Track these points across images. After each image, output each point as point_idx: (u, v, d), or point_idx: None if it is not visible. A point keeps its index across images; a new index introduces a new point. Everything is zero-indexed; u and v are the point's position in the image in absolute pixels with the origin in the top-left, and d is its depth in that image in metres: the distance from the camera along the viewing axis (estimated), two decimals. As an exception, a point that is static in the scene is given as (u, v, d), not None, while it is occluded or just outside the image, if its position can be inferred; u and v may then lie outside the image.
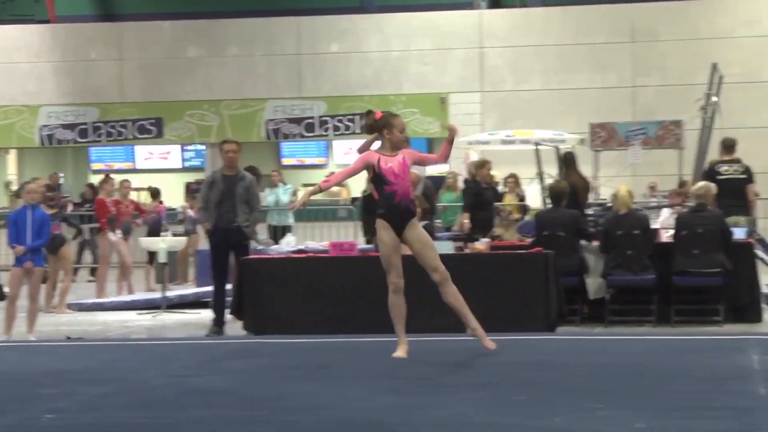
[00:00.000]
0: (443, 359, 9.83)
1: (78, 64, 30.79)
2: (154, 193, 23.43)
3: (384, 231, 9.85)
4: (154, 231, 20.57)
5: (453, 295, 9.90)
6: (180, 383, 8.75)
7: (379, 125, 9.98)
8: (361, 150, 14.01)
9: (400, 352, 9.71)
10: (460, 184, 20.91)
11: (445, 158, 10.30)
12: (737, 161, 16.62)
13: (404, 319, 9.90)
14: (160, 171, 32.44)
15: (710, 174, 16.50)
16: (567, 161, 16.78)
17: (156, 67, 30.42)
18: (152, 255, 19.66)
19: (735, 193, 15.86)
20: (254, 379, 8.95)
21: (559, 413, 7.08)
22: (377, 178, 9.81)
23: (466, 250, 13.27)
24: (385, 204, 9.82)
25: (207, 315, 15.49)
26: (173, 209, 24.73)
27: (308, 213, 25.10)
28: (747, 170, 16.43)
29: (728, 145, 17.24)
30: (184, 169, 32.72)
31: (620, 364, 9.38)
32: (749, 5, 28.61)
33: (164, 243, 17.60)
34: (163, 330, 14.61)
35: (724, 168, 16.54)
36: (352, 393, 7.97)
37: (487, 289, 12.50)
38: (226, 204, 13.76)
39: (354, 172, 10.16)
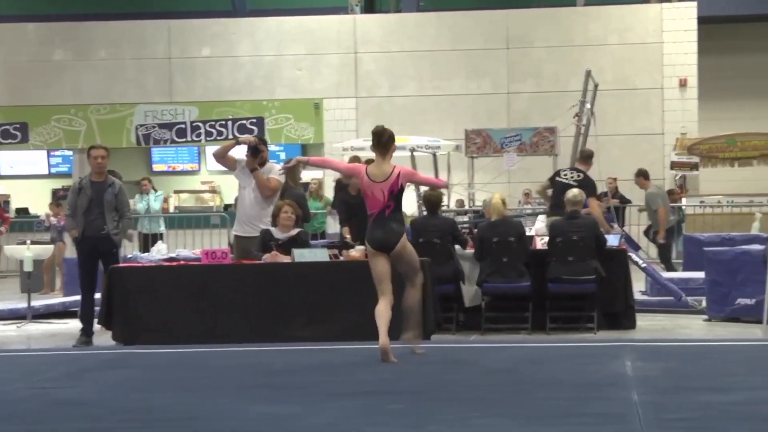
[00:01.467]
0: (320, 368, 9.84)
1: (-61, 67, 30.27)
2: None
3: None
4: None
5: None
6: (47, 395, 8.64)
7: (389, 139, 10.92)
8: (217, 154, 14.02)
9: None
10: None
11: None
12: (581, 171, 16.64)
13: None
14: (26, 177, 31.93)
15: (553, 177, 16.67)
16: None
17: (21, 71, 29.96)
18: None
19: (560, 194, 15.81)
20: (124, 390, 8.86)
21: (435, 422, 7.12)
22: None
23: (342, 258, 13.29)
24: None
25: (75, 325, 15.31)
26: (37, 216, 24.41)
27: (179, 220, 24.96)
28: (584, 182, 16.31)
29: (583, 156, 17.43)
30: (51, 176, 32.26)
31: (496, 371, 9.47)
32: (621, 13, 29.07)
33: (29, 251, 17.33)
34: (29, 341, 14.40)
35: (564, 173, 16.67)
36: (226, 403, 7.95)
37: (362, 297, 12.52)
38: (95, 211, 13.62)
39: (337, 167, 11.72)
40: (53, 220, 21.33)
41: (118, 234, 13.76)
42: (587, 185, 16.15)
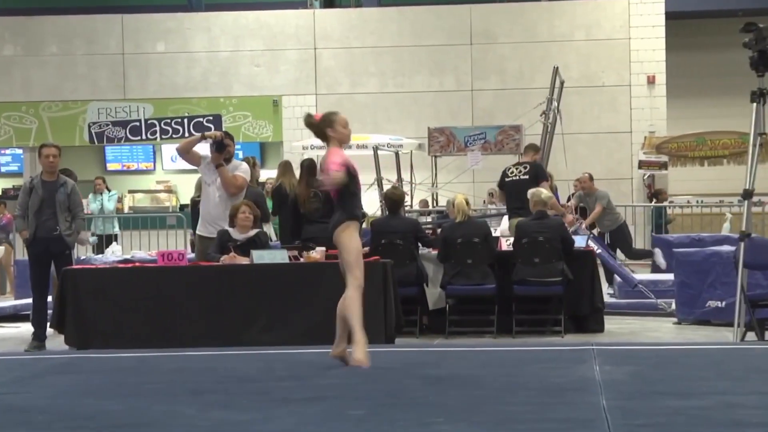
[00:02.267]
0: (279, 373, 9.82)
1: None
2: None
3: (356, 233, 9.83)
4: None
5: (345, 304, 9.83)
6: (-4, 401, 8.58)
7: (322, 126, 9.84)
8: (181, 150, 13.94)
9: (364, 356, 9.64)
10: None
11: None
12: (528, 164, 16.63)
13: None
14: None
15: (501, 177, 16.65)
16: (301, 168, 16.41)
17: (-31, 66, 29.86)
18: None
19: (519, 195, 15.81)
20: (76, 395, 8.81)
21: (397, 427, 7.12)
22: (352, 179, 9.73)
23: (302, 259, 13.28)
24: (359, 205, 9.96)
25: (27, 329, 15.25)
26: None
27: (134, 221, 24.88)
28: (533, 171, 16.32)
29: (527, 149, 17.41)
30: (1, 174, 32.12)
31: (460, 376, 9.46)
32: (587, 9, 29.18)
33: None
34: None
35: (511, 170, 16.64)
36: (182, 409, 7.91)
37: (324, 301, 12.51)
38: (47, 212, 13.59)
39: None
40: None
41: (71, 235, 13.71)
42: (537, 173, 16.19)
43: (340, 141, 9.79)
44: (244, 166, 14.11)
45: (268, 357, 10.87)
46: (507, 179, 16.41)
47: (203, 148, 13.94)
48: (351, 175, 9.63)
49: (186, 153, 13.78)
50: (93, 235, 22.79)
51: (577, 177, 20.91)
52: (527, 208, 15.19)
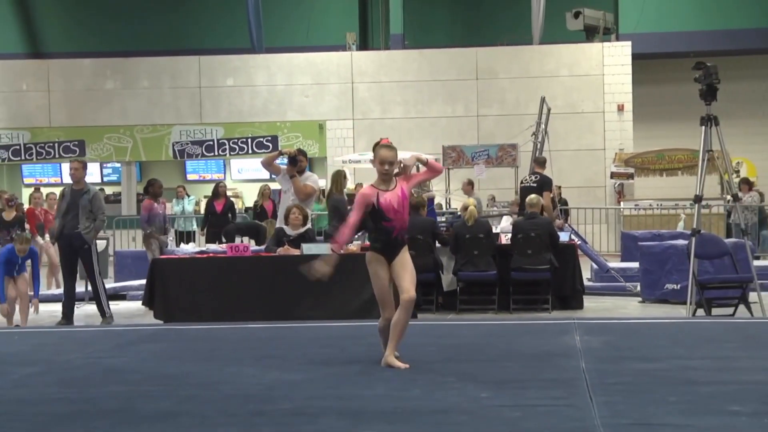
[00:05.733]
0: (322, 342, 9.80)
1: (11, 95, 30.20)
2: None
3: (380, 266, 8.03)
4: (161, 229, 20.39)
5: (396, 320, 7.94)
6: (98, 363, 8.59)
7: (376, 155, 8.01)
8: (264, 163, 13.92)
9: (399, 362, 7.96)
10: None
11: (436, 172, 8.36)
12: (539, 174, 16.76)
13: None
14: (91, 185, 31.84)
15: (520, 183, 16.95)
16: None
17: (78, 97, 29.93)
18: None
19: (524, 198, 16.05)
20: (162, 359, 8.83)
21: (419, 386, 7.10)
22: (375, 214, 7.96)
23: (341, 252, 13.23)
24: (382, 239, 8.03)
25: (124, 306, 15.32)
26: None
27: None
28: (540, 181, 16.49)
29: (538, 161, 17.50)
30: (103, 183, 32.21)
31: (467, 345, 9.44)
32: (570, 51, 29.06)
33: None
34: (86, 318, 14.34)
35: (525, 178, 16.93)
36: (246, 370, 7.92)
37: (358, 284, 12.48)
38: (71, 213, 13.61)
39: (359, 221, 8.07)
40: None
41: (89, 233, 13.68)
42: (543, 183, 16.36)
43: (379, 175, 8.02)
44: (314, 176, 14.17)
45: (313, 329, 10.86)
46: (521, 185, 16.76)
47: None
48: (377, 210, 7.95)
49: (268, 165, 13.78)
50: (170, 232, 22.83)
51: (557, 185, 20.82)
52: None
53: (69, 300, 13.65)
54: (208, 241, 19.94)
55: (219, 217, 21.11)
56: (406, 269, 8.05)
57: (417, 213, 14.38)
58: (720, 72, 12.61)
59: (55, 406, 6.76)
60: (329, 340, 9.92)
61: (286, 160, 13.71)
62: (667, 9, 31.42)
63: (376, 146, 8.03)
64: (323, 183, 26.91)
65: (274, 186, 18.50)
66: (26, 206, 19.88)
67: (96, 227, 13.84)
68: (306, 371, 7.88)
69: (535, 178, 16.57)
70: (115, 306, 15.54)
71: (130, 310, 15.26)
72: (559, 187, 23.24)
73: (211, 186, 29.53)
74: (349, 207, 14.73)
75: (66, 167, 31.38)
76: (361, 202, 7.94)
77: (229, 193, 30.71)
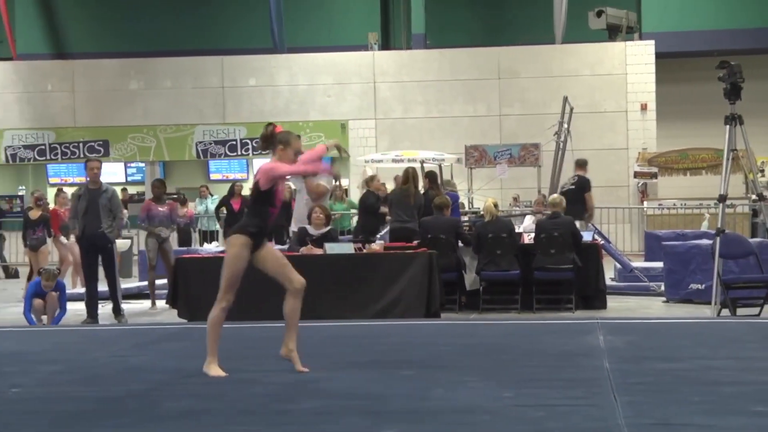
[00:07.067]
0: (344, 340, 9.80)
1: (36, 95, 30.33)
2: (182, 200, 23.03)
3: (246, 251, 7.89)
4: (186, 232, 20.53)
5: (292, 309, 8.07)
6: (121, 362, 8.63)
7: (275, 139, 8.02)
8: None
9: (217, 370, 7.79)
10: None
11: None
12: (578, 176, 16.84)
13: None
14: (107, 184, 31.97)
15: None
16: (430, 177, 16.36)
17: (102, 97, 30.03)
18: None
19: (569, 201, 16.05)
20: (184, 358, 8.85)
21: (441, 385, 7.09)
22: (266, 195, 7.81)
23: (364, 251, 13.26)
24: (259, 224, 7.88)
25: (148, 304, 15.35)
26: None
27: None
28: (579, 183, 16.60)
29: (578, 163, 17.51)
30: (127, 183, 32.33)
31: (490, 344, 9.42)
32: (592, 50, 28.96)
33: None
34: (111, 317, 14.38)
35: (567, 180, 16.98)
36: (269, 370, 7.92)
37: (381, 283, 12.52)
38: (91, 213, 13.60)
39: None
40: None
41: (112, 232, 13.71)
42: (582, 184, 16.47)
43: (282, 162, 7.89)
44: (328, 176, 14.15)
45: (336, 329, 10.87)
46: (562, 189, 16.96)
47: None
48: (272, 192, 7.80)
49: None
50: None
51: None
52: (576, 210, 15.95)
53: (92, 299, 13.67)
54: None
55: (236, 216, 21.28)
56: (283, 260, 8.10)
57: (440, 213, 14.37)
58: (744, 71, 12.55)
59: (79, 404, 6.78)
60: (352, 339, 9.92)
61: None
62: (690, 8, 31.28)
63: (291, 136, 8.05)
64: (346, 183, 26.96)
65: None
66: (51, 206, 19.99)
67: (118, 225, 13.88)
68: (328, 370, 7.88)
69: (574, 179, 16.70)
70: (139, 305, 15.61)
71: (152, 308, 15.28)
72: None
73: (234, 186, 29.51)
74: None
75: (90, 167, 31.53)
76: (277, 172, 7.74)
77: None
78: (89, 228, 13.59)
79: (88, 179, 13.91)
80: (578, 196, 16.78)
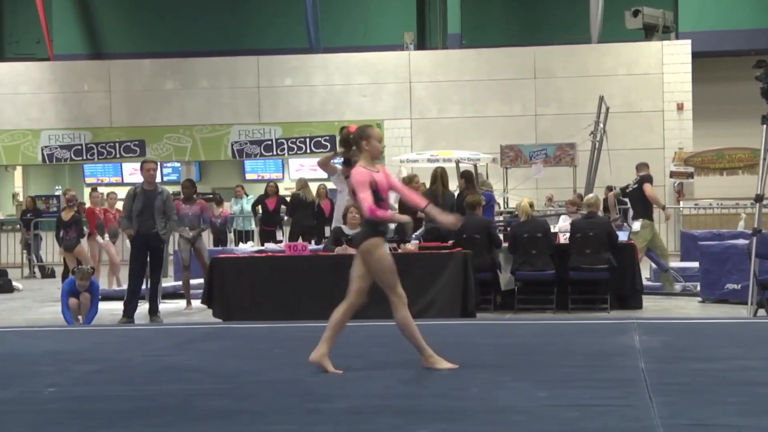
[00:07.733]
0: (380, 341, 9.80)
1: (73, 95, 30.54)
2: (218, 200, 23.17)
3: (383, 248, 8.06)
4: (222, 232, 20.63)
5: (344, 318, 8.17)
6: (157, 361, 8.66)
7: (355, 138, 7.96)
8: (321, 163, 13.94)
9: (445, 364, 7.80)
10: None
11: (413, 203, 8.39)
12: (640, 177, 16.83)
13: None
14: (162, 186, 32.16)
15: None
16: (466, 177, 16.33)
17: (138, 98, 30.21)
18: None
19: (631, 201, 16.25)
20: (220, 357, 8.87)
21: (476, 385, 7.08)
22: (374, 194, 7.74)
23: (399, 251, 13.25)
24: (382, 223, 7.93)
25: (183, 304, 15.41)
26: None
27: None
28: (640, 180, 16.66)
29: (638, 167, 17.35)
30: (163, 182, 32.43)
31: (525, 344, 9.40)
32: (628, 49, 28.86)
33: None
34: (146, 317, 14.45)
35: (631, 182, 17.10)
36: (303, 369, 7.93)
37: (416, 283, 12.49)
38: (146, 214, 13.65)
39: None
40: None
41: (165, 233, 13.79)
42: (642, 179, 16.65)
43: (372, 155, 7.84)
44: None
45: (371, 328, 10.86)
46: (627, 190, 17.36)
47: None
48: (375, 190, 7.74)
49: (325, 165, 13.77)
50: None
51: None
52: (637, 209, 16.32)
53: (133, 298, 13.72)
54: (263, 241, 20.15)
55: (271, 216, 21.51)
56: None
57: (472, 212, 14.35)
58: (781, 70, 12.46)
59: (115, 404, 6.82)
60: (387, 339, 9.92)
61: (341, 161, 13.73)
62: (726, 7, 31.08)
63: (368, 128, 7.92)
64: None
65: (331, 186, 18.56)
66: (87, 205, 20.11)
67: (170, 228, 13.97)
68: (363, 370, 7.89)
69: (637, 179, 16.71)
70: (175, 304, 15.68)
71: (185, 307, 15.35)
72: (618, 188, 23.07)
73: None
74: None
75: (127, 167, 31.76)
76: (365, 180, 7.69)
77: (287, 192, 31.00)
78: (143, 228, 13.65)
79: (144, 180, 13.98)
80: (633, 196, 16.84)
